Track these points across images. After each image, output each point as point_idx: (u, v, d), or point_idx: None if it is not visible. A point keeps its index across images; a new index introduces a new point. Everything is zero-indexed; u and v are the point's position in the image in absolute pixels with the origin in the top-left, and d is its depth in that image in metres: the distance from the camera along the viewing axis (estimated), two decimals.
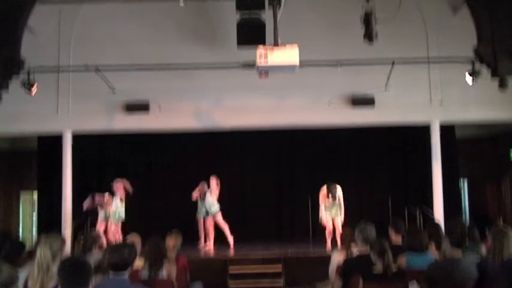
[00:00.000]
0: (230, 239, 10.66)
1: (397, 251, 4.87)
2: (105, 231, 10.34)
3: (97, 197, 10.45)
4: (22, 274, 4.08)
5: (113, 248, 3.95)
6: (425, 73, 10.88)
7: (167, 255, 5.38)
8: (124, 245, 4.25)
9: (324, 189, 10.39)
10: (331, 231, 10.33)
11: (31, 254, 4.75)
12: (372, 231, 5.06)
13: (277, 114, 10.93)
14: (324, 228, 10.42)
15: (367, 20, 7.76)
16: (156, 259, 5.13)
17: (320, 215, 10.36)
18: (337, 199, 10.35)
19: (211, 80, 10.72)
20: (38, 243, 4.61)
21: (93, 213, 10.90)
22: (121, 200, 10.63)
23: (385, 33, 8.08)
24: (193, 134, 11.60)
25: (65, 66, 10.57)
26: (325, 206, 10.35)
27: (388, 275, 4.42)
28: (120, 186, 10.64)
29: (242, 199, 11.03)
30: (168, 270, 5.14)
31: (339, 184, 10.57)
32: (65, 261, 3.36)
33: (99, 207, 10.47)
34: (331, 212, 10.39)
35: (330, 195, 10.26)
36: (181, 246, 6.29)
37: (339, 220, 10.30)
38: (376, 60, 9.53)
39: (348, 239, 5.69)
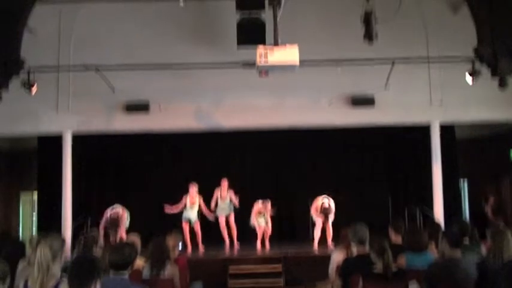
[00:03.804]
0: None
1: (397, 250, 4.87)
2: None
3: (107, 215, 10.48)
4: (24, 273, 4.09)
5: (113, 248, 3.96)
6: (425, 73, 10.88)
7: (169, 256, 5.37)
8: (125, 244, 4.25)
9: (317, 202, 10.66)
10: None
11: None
12: (365, 231, 5.05)
13: (277, 114, 10.94)
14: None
15: (367, 20, 7.75)
16: (158, 259, 5.13)
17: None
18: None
19: (212, 80, 10.72)
20: (37, 243, 4.62)
21: (95, 212, 10.97)
22: (191, 203, 10.73)
23: (385, 33, 8.07)
24: (193, 134, 11.60)
25: (65, 66, 10.56)
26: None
27: (388, 274, 4.41)
28: (192, 190, 10.74)
29: (242, 199, 11.01)
30: (168, 270, 5.14)
31: (338, 184, 10.61)
32: (77, 258, 3.39)
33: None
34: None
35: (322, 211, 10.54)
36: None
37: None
38: (376, 60, 9.53)
39: (347, 238, 5.69)
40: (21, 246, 5.31)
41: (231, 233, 11.06)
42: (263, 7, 7.52)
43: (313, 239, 10.72)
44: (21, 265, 4.70)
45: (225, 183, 10.96)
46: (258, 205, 10.81)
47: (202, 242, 10.91)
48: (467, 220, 11.14)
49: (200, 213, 10.96)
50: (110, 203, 10.72)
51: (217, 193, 10.92)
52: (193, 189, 10.78)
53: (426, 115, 11.01)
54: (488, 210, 11.86)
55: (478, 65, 8.45)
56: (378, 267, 4.45)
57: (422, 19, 10.90)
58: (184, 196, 10.78)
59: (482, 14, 7.60)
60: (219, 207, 10.95)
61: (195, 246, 10.79)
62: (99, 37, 10.66)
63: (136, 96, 10.92)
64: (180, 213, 11.02)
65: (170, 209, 10.65)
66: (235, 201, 10.90)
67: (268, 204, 10.77)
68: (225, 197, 10.93)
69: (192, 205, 10.78)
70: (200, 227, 10.96)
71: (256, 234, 10.92)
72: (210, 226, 11.18)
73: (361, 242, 4.87)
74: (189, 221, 10.82)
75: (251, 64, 7.11)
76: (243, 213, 11.06)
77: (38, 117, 10.77)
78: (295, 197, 12.17)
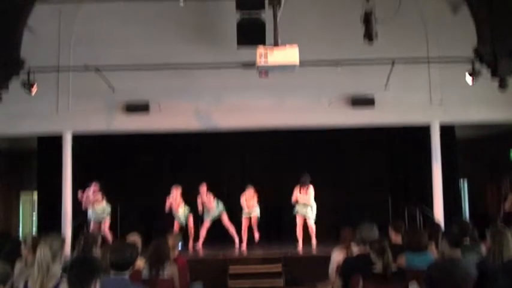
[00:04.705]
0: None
1: (397, 250, 4.87)
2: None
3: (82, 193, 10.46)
4: (21, 273, 4.09)
5: (115, 248, 3.95)
6: (425, 73, 10.89)
7: (169, 256, 5.37)
8: (126, 244, 4.24)
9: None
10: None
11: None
12: (371, 231, 5.04)
13: (277, 114, 10.93)
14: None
15: (367, 20, 7.76)
16: (157, 259, 5.13)
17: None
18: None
19: (211, 80, 10.72)
20: (33, 243, 4.62)
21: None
22: (176, 207, 10.70)
23: (385, 33, 8.08)
24: (193, 134, 11.60)
25: (65, 66, 10.57)
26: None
27: (387, 274, 4.41)
28: (175, 192, 10.70)
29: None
30: (168, 270, 5.14)
31: (338, 184, 10.61)
32: (76, 258, 3.38)
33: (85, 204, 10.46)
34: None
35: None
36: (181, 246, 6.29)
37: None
38: (376, 60, 9.53)
39: (347, 238, 5.69)
40: (19, 246, 5.30)
41: (229, 232, 11.02)
42: (263, 7, 7.53)
43: (297, 240, 10.67)
44: (18, 265, 4.69)
45: (203, 188, 10.84)
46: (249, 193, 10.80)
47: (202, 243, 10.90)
48: (467, 220, 11.14)
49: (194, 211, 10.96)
50: (110, 203, 10.71)
51: (199, 199, 10.84)
52: (176, 192, 10.71)
53: (426, 115, 11.01)
54: (507, 206, 11.79)
55: (478, 65, 8.45)
56: (378, 267, 4.45)
57: (422, 19, 10.90)
58: (167, 198, 10.71)
59: (482, 14, 7.61)
60: (206, 213, 10.90)
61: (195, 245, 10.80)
62: (99, 37, 10.66)
63: (136, 96, 10.92)
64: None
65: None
66: (209, 205, 10.81)
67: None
68: (208, 201, 10.84)
69: (177, 208, 10.71)
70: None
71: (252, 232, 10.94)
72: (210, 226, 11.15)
73: (363, 242, 4.87)
74: (180, 221, 10.80)
75: (251, 64, 7.11)
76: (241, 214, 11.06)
77: (38, 117, 10.76)
78: None
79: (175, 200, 10.70)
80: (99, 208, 10.50)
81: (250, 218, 10.85)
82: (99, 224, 10.56)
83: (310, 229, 10.71)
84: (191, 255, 9.88)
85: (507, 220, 10.57)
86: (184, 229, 10.65)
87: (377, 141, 12.43)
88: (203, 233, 10.91)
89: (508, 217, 10.96)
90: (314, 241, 10.62)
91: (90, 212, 10.62)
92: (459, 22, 9.42)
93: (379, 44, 7.99)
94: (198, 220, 11.05)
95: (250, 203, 10.78)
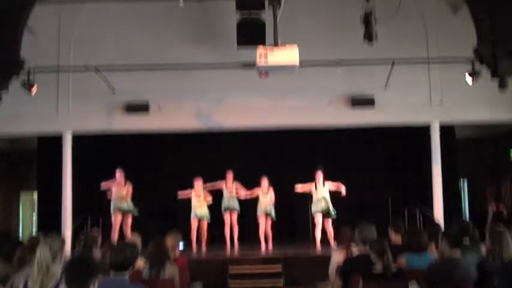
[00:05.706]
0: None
1: (396, 251, 4.87)
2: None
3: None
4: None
5: (115, 248, 3.95)
6: (425, 73, 10.89)
7: (169, 256, 5.37)
8: (126, 245, 4.25)
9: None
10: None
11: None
12: (371, 231, 5.05)
13: (277, 114, 10.94)
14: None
15: (367, 20, 7.76)
16: (157, 259, 5.13)
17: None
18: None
19: (212, 80, 10.72)
20: (35, 244, 4.63)
21: (95, 212, 10.96)
22: (197, 198, 10.76)
23: (385, 33, 8.08)
24: (193, 134, 11.60)
25: (65, 66, 10.57)
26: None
27: (387, 275, 4.41)
28: (197, 184, 10.78)
29: (242, 199, 11.02)
30: (168, 270, 5.14)
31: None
32: (73, 259, 3.38)
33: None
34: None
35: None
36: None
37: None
38: (376, 60, 9.54)
39: (347, 238, 5.70)
40: (19, 246, 5.29)
41: (232, 232, 11.02)
42: (263, 7, 7.53)
43: (314, 240, 10.63)
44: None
45: (230, 175, 10.96)
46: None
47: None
48: (467, 220, 11.15)
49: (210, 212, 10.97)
50: (110, 203, 10.72)
51: (222, 184, 10.92)
52: (198, 183, 10.79)
53: (426, 115, 11.01)
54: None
55: (478, 65, 8.45)
56: (378, 267, 4.45)
57: (422, 19, 10.90)
58: (190, 190, 10.81)
59: (482, 14, 7.59)
60: (225, 201, 10.92)
61: (199, 246, 10.77)
62: (99, 37, 10.66)
63: (136, 97, 10.91)
64: (180, 212, 11.03)
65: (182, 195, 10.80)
66: (240, 192, 10.86)
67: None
68: (231, 189, 10.89)
69: (198, 199, 10.76)
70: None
71: (256, 233, 10.91)
72: (209, 226, 11.15)
73: (364, 242, 4.87)
74: (198, 219, 10.81)
75: (251, 64, 7.12)
76: (242, 214, 11.06)
77: (38, 118, 10.76)
78: (295, 197, 12.15)
79: (196, 192, 10.79)
80: (124, 200, 10.53)
81: (266, 216, 10.77)
82: (120, 216, 10.53)
83: (328, 232, 10.54)
84: (191, 255, 9.87)
85: (498, 220, 10.64)
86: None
87: (377, 141, 12.44)
88: (227, 231, 10.91)
89: (498, 217, 11.02)
90: (332, 243, 10.33)
91: (113, 202, 10.60)
92: (459, 22, 9.40)
93: (379, 44, 7.99)
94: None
95: (268, 197, 10.76)
